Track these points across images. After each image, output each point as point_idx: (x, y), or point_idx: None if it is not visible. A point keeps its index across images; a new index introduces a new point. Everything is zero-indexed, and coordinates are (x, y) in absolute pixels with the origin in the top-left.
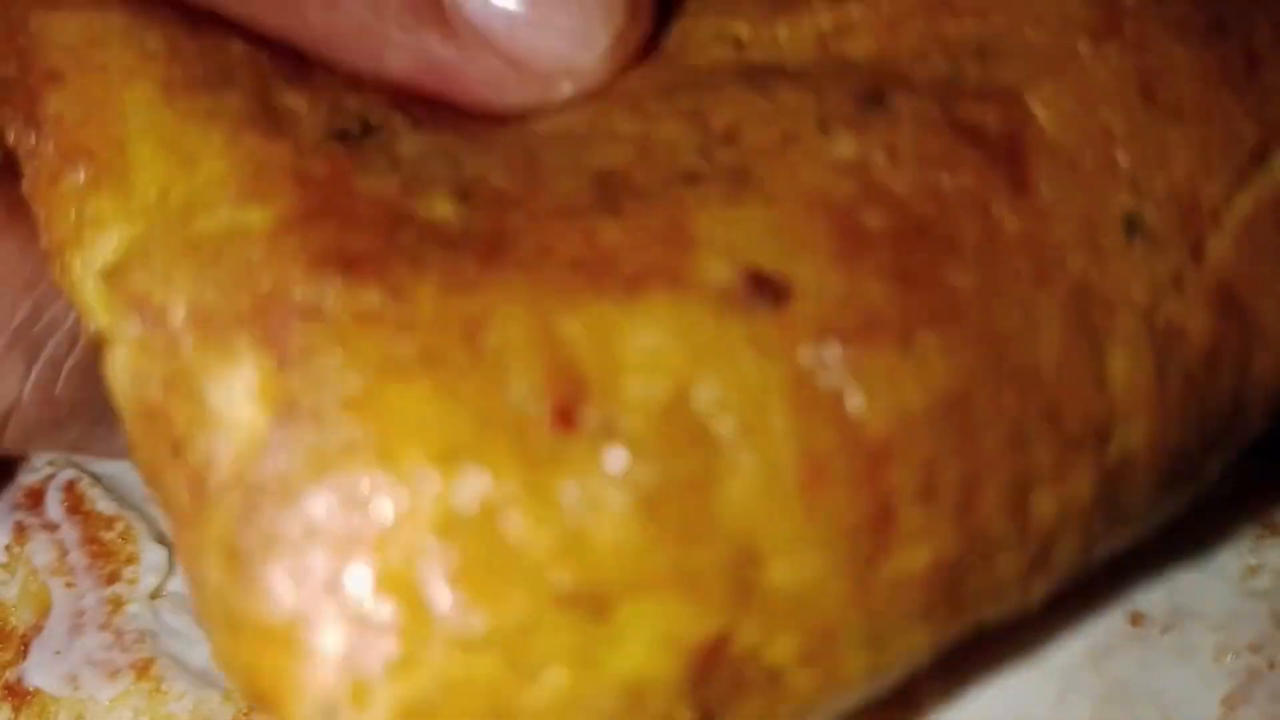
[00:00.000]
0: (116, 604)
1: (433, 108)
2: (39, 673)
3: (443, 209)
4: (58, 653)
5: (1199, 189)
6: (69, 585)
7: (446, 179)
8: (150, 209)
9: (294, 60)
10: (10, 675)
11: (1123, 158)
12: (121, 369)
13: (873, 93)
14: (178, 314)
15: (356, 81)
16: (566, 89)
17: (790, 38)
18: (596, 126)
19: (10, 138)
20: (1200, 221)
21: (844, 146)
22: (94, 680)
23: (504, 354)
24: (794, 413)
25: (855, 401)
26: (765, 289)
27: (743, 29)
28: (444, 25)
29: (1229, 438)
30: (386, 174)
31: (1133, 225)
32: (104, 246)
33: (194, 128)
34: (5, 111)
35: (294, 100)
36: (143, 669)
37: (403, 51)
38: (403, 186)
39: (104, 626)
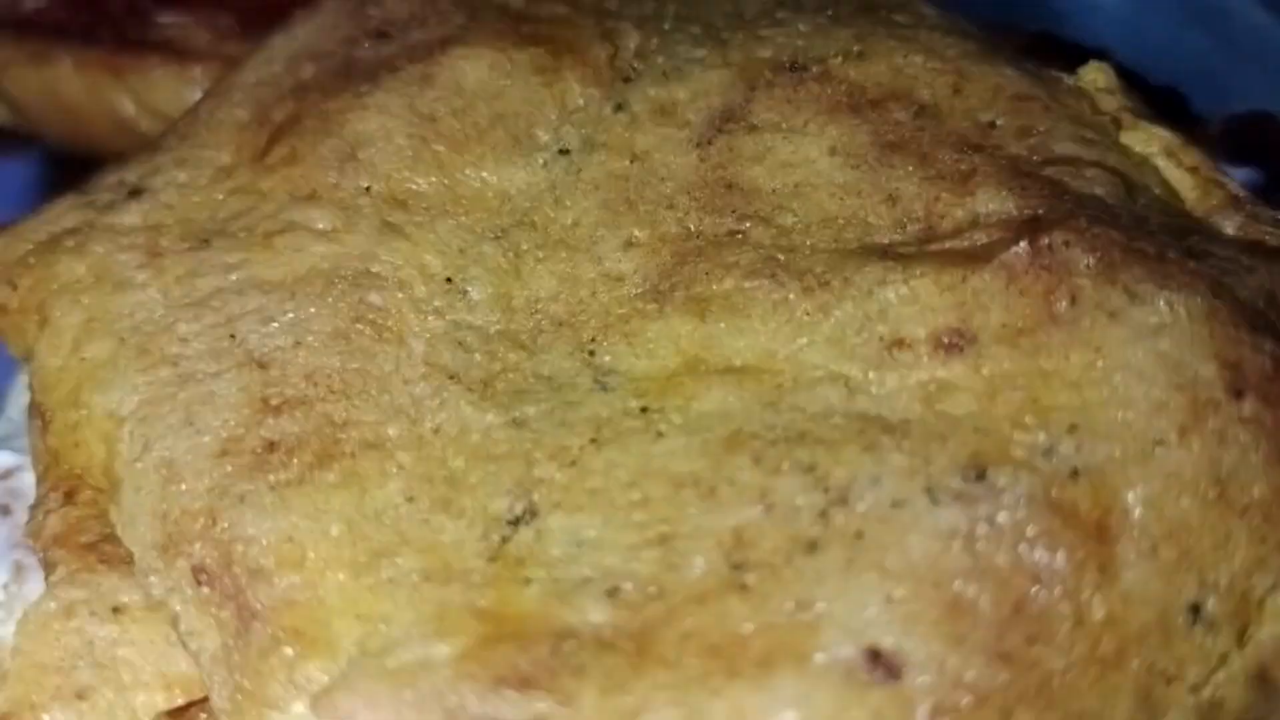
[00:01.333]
0: None
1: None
2: None
3: (596, 614)
4: None
5: (1253, 582)
6: None
7: (595, 580)
8: (352, 658)
9: None
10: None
11: (1195, 549)
12: None
13: (976, 467)
14: None
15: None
16: None
17: (897, 388)
18: (719, 472)
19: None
20: (1248, 610)
21: (950, 517)
22: None
23: None
24: None
25: None
26: (883, 665)
27: (854, 372)
28: None
29: None
30: (544, 585)
31: (1196, 612)
32: (311, 686)
33: (383, 595)
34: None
35: (451, 531)
36: None
37: None
38: (559, 597)
39: None
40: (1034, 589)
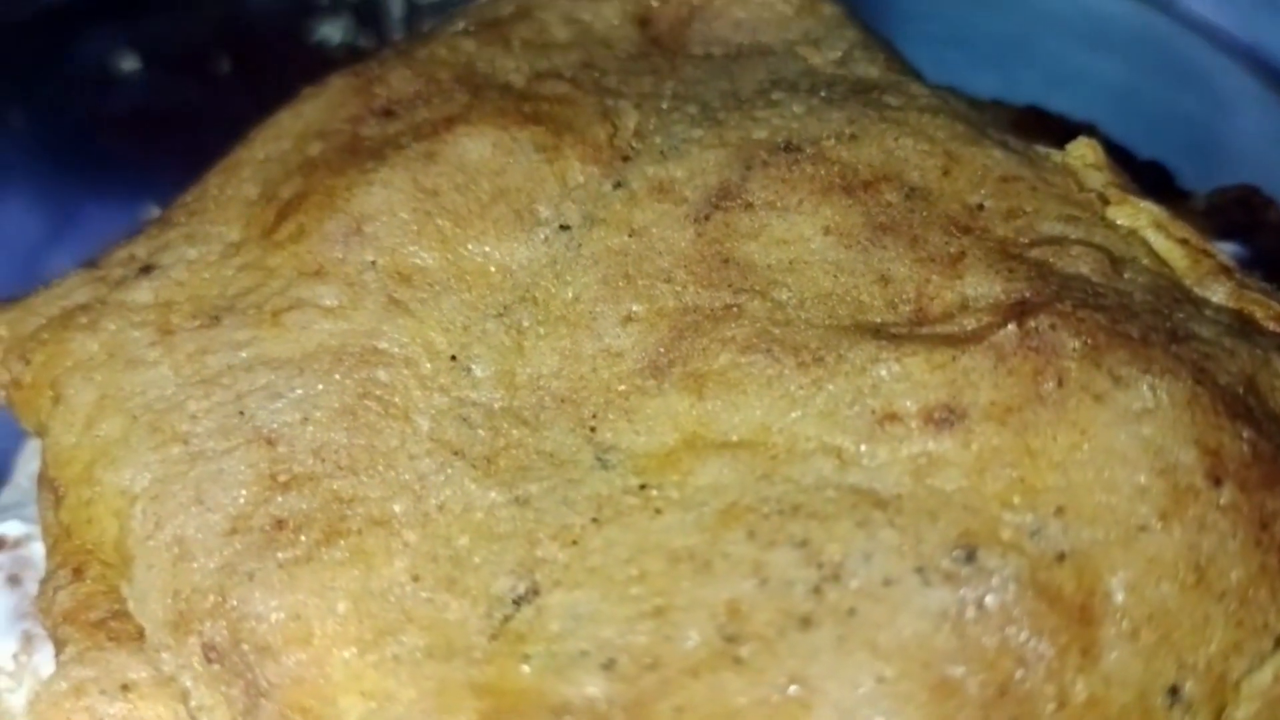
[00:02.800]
0: None
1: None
2: None
3: (592, 687)
4: None
5: (1230, 664)
6: None
7: (591, 653)
8: None
9: None
10: None
11: (1175, 632)
12: None
13: (966, 547)
14: None
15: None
16: None
17: (889, 461)
18: (715, 546)
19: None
20: (1225, 692)
21: (940, 598)
22: None
23: None
24: None
25: None
26: None
27: (847, 444)
28: None
29: None
30: (543, 660)
31: (1175, 693)
32: None
33: (387, 673)
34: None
35: (455, 610)
36: None
37: None
38: (556, 671)
39: None
40: (1020, 671)
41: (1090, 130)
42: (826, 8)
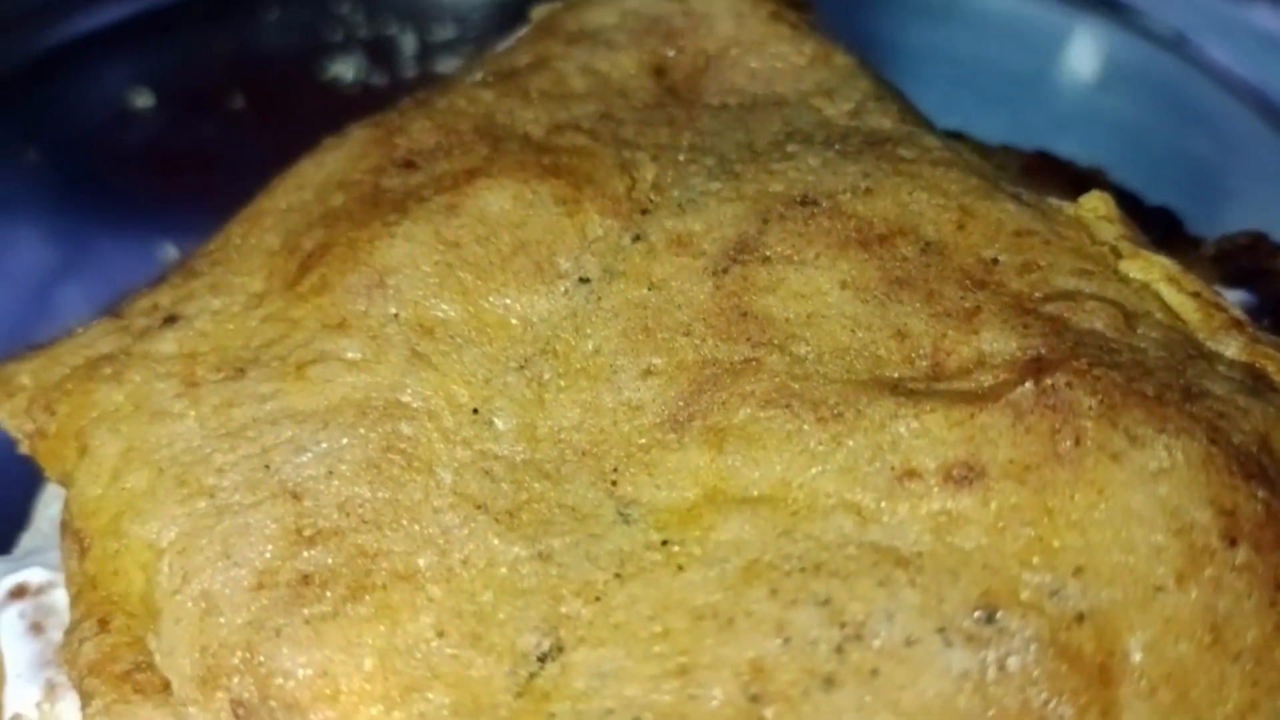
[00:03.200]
0: None
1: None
2: None
3: None
4: None
5: None
6: None
7: (616, 711)
8: None
9: None
10: None
11: (1191, 692)
12: None
13: (987, 607)
14: None
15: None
16: None
17: (909, 518)
18: (738, 604)
19: None
20: None
21: (962, 659)
22: None
23: None
24: None
25: None
26: None
27: (867, 501)
28: None
29: None
30: (569, 718)
31: None
32: None
33: None
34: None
35: (480, 666)
36: None
37: None
38: None
39: None
40: None
41: (1098, 176)
42: (839, 58)
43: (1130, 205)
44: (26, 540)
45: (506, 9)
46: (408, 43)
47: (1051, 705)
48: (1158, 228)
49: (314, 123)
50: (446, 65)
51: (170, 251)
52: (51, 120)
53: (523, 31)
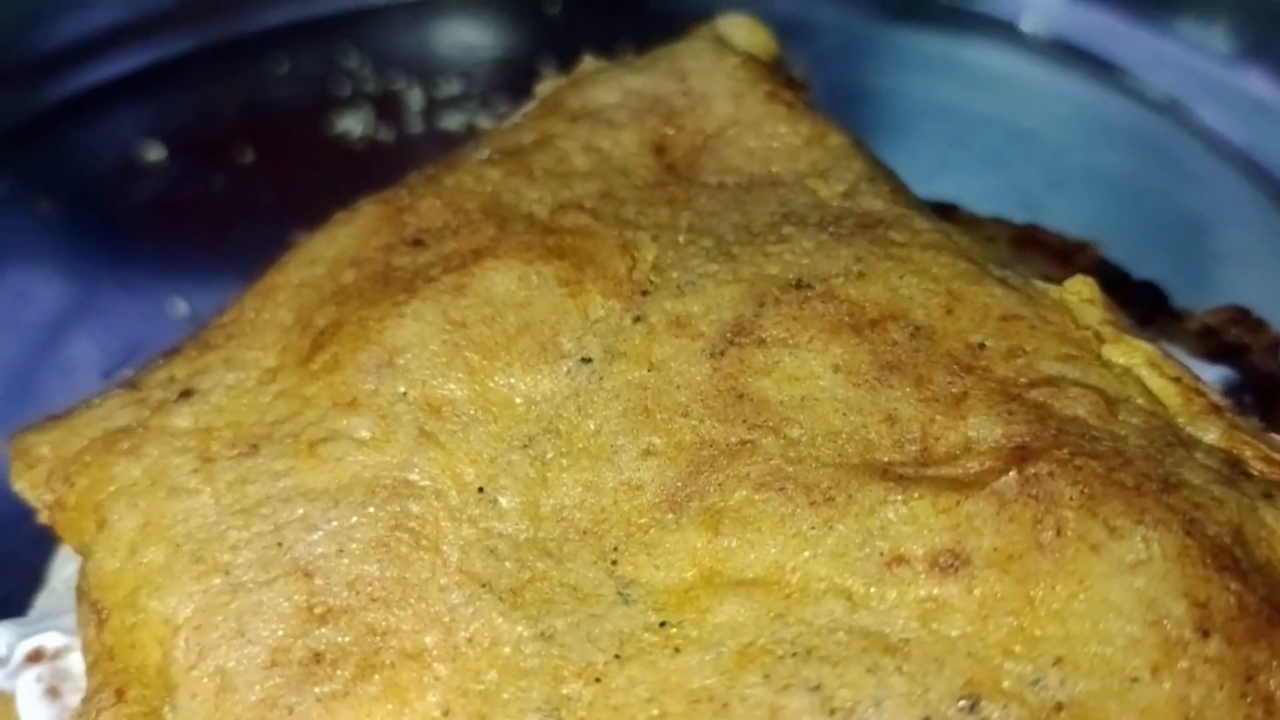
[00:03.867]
0: None
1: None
2: None
3: None
4: None
5: None
6: None
7: None
8: None
9: None
10: None
11: None
12: None
13: (970, 696)
14: None
15: None
16: None
17: (896, 604)
18: (732, 689)
19: None
20: None
21: None
22: None
23: None
24: None
25: None
26: None
27: (857, 586)
28: None
29: None
30: None
31: None
32: None
33: None
34: None
35: None
36: None
37: None
38: None
39: None
40: None
41: (1086, 249)
42: (834, 138)
43: (1117, 279)
44: (41, 602)
45: (512, 66)
46: (414, 98)
47: None
48: (1144, 302)
49: (323, 177)
50: (452, 121)
51: (180, 306)
52: (64, 170)
53: (528, 108)
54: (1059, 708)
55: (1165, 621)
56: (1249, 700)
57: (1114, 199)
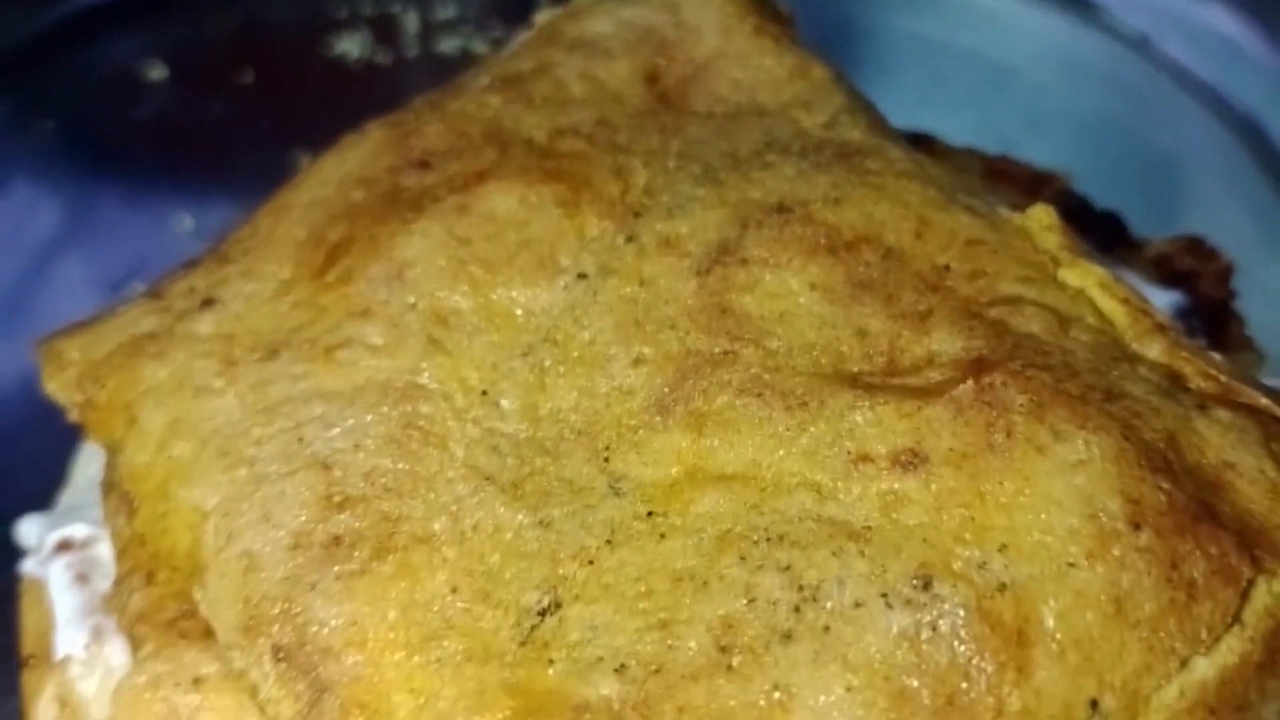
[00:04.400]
0: None
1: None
2: None
3: (606, 688)
4: None
5: (1142, 682)
6: None
7: (606, 659)
8: None
9: None
10: None
11: (1096, 655)
12: None
13: (923, 577)
14: None
15: None
16: None
17: (861, 496)
18: (711, 569)
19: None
20: (1138, 705)
21: (901, 620)
22: None
23: None
24: None
25: None
26: None
27: (825, 480)
28: None
29: None
30: (565, 664)
31: (1095, 706)
32: None
33: (433, 674)
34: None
35: (489, 619)
36: None
37: None
38: (577, 674)
39: None
40: (964, 684)
41: (1054, 179)
42: (817, 70)
43: (1080, 209)
44: (66, 497)
45: None
46: (410, 21)
47: (975, 662)
48: (1104, 230)
49: (322, 99)
50: (448, 44)
51: (186, 221)
52: (66, 90)
53: (527, 36)
54: (1003, 588)
55: (1101, 515)
56: (1173, 584)
57: (1088, 136)
